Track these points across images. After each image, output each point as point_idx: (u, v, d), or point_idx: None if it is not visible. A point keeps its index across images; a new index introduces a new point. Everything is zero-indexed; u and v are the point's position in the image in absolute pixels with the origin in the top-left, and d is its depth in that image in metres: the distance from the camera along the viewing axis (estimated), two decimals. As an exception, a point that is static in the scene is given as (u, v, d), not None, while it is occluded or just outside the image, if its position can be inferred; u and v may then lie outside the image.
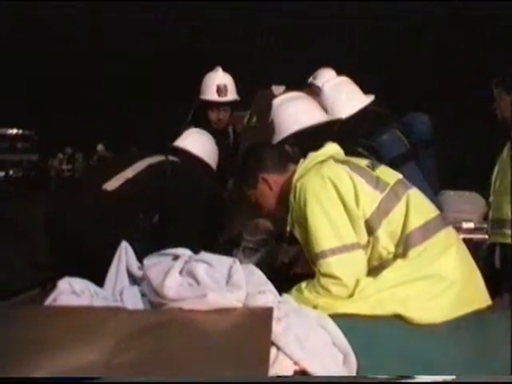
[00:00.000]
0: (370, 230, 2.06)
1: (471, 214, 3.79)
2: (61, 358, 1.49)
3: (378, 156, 2.86)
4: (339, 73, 3.39)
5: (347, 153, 2.35)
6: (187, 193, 2.86)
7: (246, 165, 2.39)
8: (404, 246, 2.03)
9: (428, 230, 2.06)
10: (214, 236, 2.99)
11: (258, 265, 2.04)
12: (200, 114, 3.75)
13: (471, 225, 3.72)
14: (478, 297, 2.08)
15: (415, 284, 1.97)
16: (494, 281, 2.63)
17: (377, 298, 1.94)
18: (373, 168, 2.18)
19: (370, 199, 2.07)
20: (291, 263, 2.56)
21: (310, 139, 2.65)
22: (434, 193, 3.01)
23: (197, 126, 3.60)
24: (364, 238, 2.06)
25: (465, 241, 2.25)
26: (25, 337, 1.61)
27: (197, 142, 3.28)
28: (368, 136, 3.00)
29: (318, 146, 2.33)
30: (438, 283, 1.99)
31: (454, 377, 1.62)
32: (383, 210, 2.07)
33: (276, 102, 2.86)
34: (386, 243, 2.05)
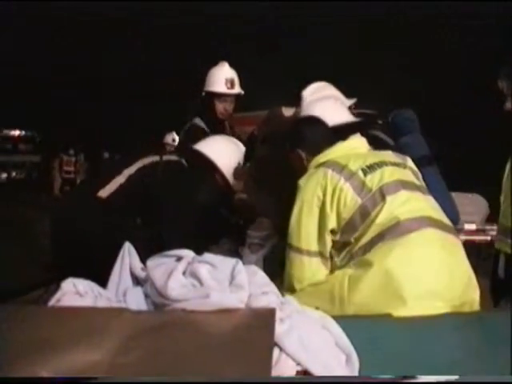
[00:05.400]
0: (350, 230, 2.24)
1: (473, 215, 3.80)
2: (64, 358, 1.49)
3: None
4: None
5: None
6: (179, 193, 2.86)
7: (290, 133, 2.64)
8: (370, 244, 2.18)
9: (403, 227, 2.19)
10: (209, 238, 3.00)
11: (266, 258, 2.17)
12: (206, 106, 4.18)
13: (473, 226, 3.73)
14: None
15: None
16: (495, 288, 2.64)
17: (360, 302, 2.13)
18: (365, 174, 2.30)
19: (352, 205, 2.24)
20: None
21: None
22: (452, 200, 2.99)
23: (202, 116, 4.12)
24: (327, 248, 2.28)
25: (466, 242, 2.27)
26: (28, 337, 1.62)
27: (220, 152, 3.25)
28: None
29: None
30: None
31: (457, 377, 1.63)
32: (362, 215, 2.23)
33: (304, 97, 2.91)
34: (359, 243, 2.21)
